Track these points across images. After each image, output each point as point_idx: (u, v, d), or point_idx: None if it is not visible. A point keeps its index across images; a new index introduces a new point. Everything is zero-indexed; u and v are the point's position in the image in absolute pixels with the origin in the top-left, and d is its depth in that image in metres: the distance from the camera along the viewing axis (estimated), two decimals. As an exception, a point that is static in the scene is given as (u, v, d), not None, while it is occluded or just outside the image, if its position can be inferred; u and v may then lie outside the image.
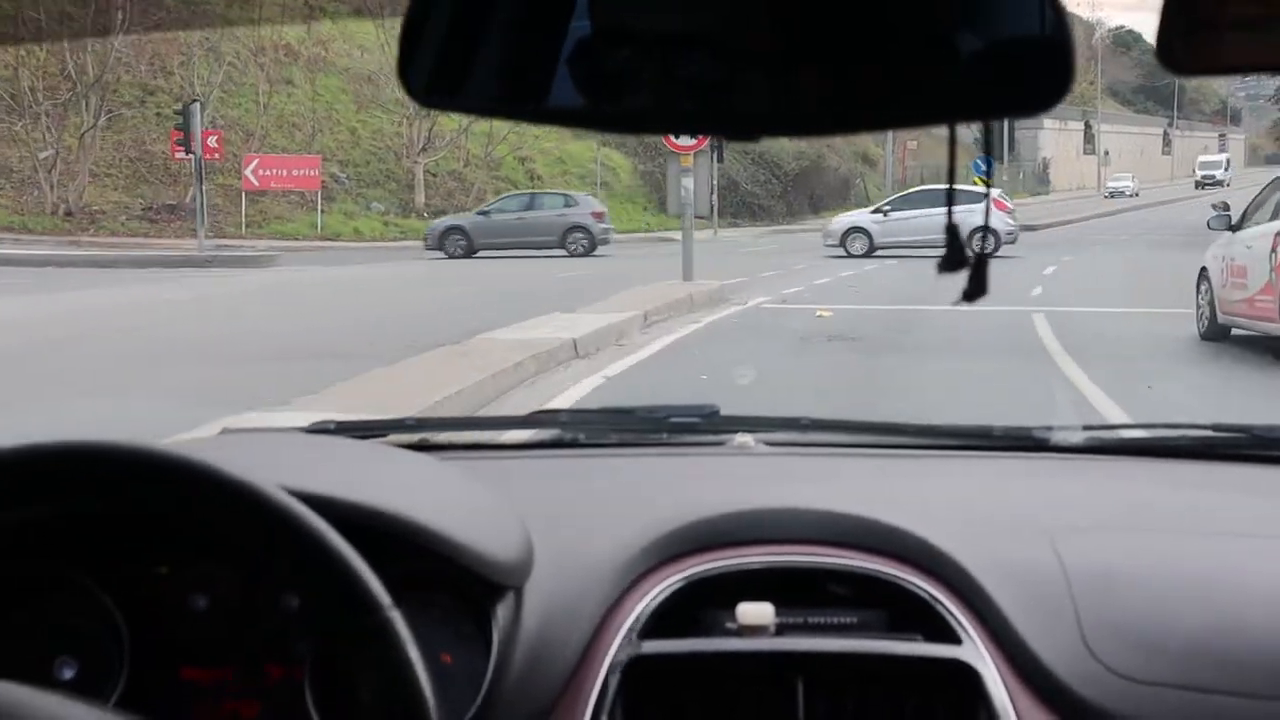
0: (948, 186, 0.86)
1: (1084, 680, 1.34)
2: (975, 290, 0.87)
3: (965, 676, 1.35)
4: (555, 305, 13.51)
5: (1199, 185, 79.01)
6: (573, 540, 1.50)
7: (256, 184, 32.55)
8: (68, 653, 1.35)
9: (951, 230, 0.86)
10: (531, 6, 0.77)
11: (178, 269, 23.44)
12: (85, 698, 0.93)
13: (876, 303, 15.65)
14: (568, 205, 29.59)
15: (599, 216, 29.49)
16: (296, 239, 32.86)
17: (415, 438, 2.01)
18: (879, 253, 26.44)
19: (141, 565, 1.35)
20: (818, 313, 13.36)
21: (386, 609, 1.10)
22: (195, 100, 26.49)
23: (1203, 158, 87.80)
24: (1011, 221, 28.07)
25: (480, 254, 28.26)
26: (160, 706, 1.32)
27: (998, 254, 27.10)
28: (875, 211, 28.72)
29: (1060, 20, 0.73)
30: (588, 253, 28.19)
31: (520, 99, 0.78)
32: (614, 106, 0.76)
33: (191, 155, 25.56)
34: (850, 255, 26.56)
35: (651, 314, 13.22)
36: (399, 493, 1.38)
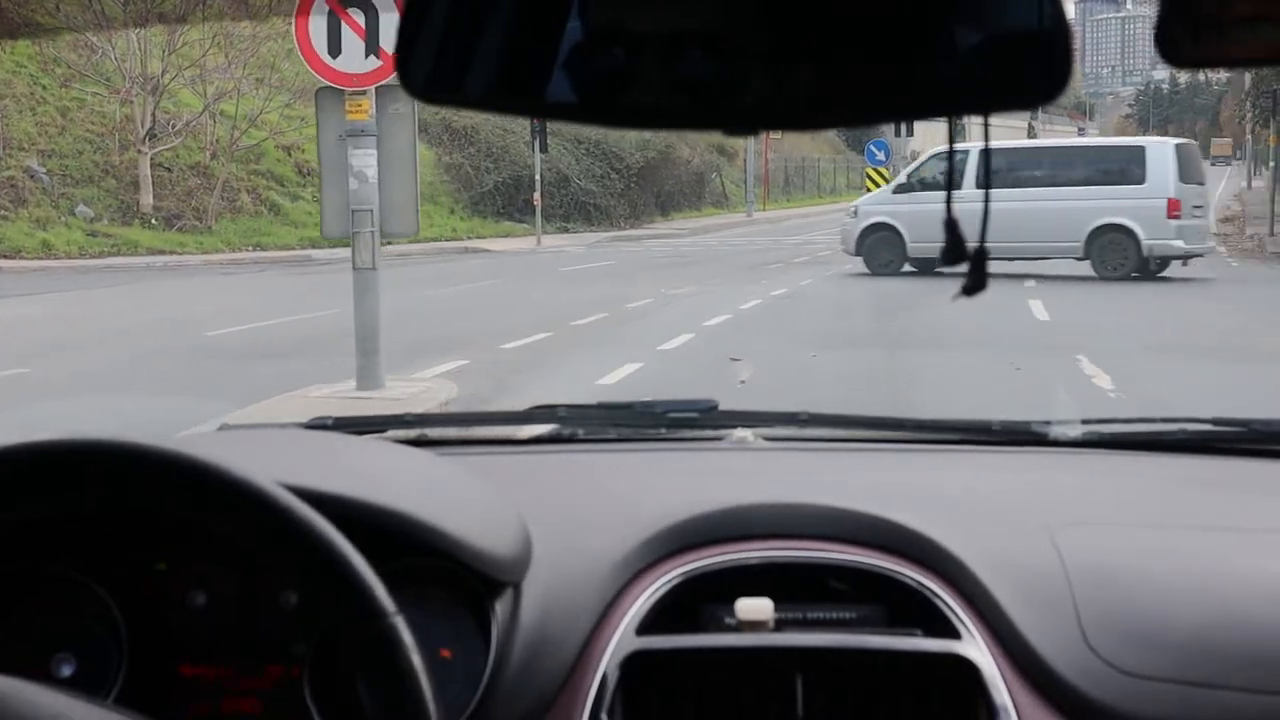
0: (947, 179, 0.95)
1: (1083, 675, 1.41)
2: (975, 284, 0.90)
3: (964, 671, 1.44)
4: None
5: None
6: (571, 536, 1.59)
7: (-103, 182, 22.90)
8: (66, 650, 1.41)
9: (951, 223, 0.89)
10: (531, 1, 0.82)
11: None
12: (84, 695, 1.02)
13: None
14: None
15: None
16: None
17: (413, 433, 2.06)
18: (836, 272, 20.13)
19: (140, 562, 1.43)
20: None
21: (390, 615, 1.17)
22: None
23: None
24: None
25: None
26: (158, 704, 1.39)
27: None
28: None
29: (1058, 13, 0.78)
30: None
31: (520, 93, 0.82)
32: (613, 100, 0.80)
33: None
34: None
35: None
36: (397, 489, 1.47)
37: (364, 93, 7.88)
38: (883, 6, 0.77)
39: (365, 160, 8.10)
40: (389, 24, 7.36)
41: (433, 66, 0.81)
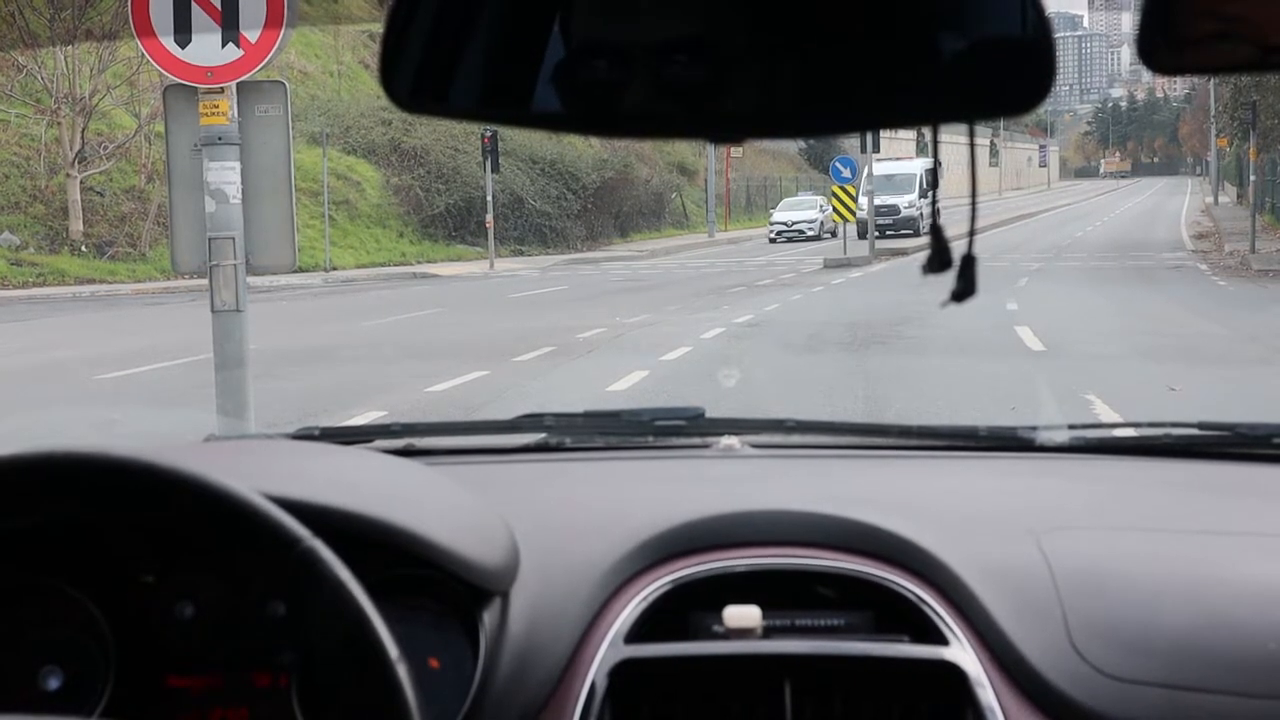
0: (933, 185, 0.96)
1: (1071, 680, 1.41)
2: (964, 290, 0.90)
3: (952, 677, 1.46)
4: None
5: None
6: (559, 544, 1.61)
7: None
8: (54, 662, 1.41)
9: (936, 229, 0.91)
10: (515, 10, 0.82)
11: None
12: (70, 708, 1.01)
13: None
14: None
15: None
16: None
17: (401, 443, 2.07)
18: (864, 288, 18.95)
19: (127, 574, 1.44)
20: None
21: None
22: None
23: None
24: None
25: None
26: (146, 715, 1.40)
27: None
28: None
29: (1042, 22, 0.79)
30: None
31: (506, 104, 0.83)
32: (598, 109, 0.80)
33: None
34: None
35: None
36: (384, 499, 1.49)
37: (222, 91, 6.09)
38: (869, 15, 0.77)
39: (225, 175, 6.20)
40: (252, 2, 5.80)
41: (417, 77, 0.81)
